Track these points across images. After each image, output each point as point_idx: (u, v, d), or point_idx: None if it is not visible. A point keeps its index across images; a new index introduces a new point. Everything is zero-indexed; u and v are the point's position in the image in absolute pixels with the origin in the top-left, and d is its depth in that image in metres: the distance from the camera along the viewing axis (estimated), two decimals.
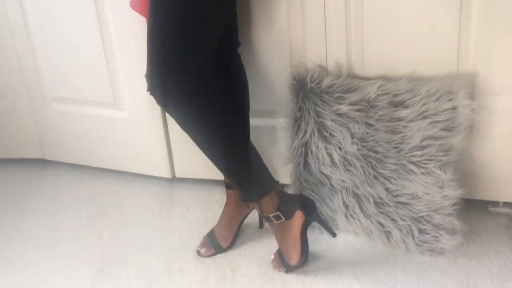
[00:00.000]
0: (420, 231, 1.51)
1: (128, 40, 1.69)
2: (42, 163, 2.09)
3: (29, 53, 1.87)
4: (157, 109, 1.77)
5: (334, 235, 1.55)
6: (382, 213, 1.54)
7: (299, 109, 1.58)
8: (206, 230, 1.65)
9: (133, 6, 1.50)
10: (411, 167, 1.49)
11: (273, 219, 1.47)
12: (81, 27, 1.77)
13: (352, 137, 1.53)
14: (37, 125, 2.00)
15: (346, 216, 1.59)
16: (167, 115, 1.76)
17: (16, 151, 2.07)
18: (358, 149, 1.53)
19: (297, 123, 1.58)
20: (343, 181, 1.56)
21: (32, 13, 1.81)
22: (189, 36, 1.26)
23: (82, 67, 1.84)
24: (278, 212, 1.47)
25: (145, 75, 1.30)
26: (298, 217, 1.48)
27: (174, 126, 1.76)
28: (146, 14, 1.46)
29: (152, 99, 1.31)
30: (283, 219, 1.47)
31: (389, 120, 1.51)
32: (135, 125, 1.85)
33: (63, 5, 1.75)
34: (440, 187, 1.48)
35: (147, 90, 1.30)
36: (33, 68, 1.90)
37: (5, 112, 2.00)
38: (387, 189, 1.53)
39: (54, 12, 1.77)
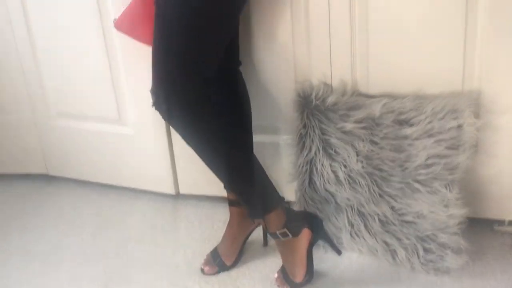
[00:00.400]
0: (426, 250, 1.50)
1: (133, 55, 1.69)
2: (46, 178, 2.09)
3: (34, 68, 1.88)
4: (161, 125, 1.77)
5: (339, 253, 1.54)
6: (387, 231, 1.53)
7: (304, 126, 1.57)
8: (210, 248, 1.65)
9: (118, 26, 1.51)
10: (416, 185, 1.48)
11: (280, 236, 1.46)
12: (87, 43, 1.78)
13: (357, 155, 1.52)
14: (42, 140, 2.00)
15: (351, 235, 1.58)
16: (172, 131, 1.77)
17: (20, 167, 2.07)
18: (363, 167, 1.52)
19: (302, 140, 1.58)
20: (348, 199, 1.55)
21: (38, 30, 1.82)
22: (193, 52, 1.28)
23: (87, 83, 1.84)
24: (285, 229, 1.46)
25: (150, 90, 1.31)
26: (305, 234, 1.47)
27: (178, 142, 1.77)
28: (131, 34, 1.50)
29: (156, 115, 1.32)
30: (290, 236, 1.46)
31: (394, 138, 1.50)
32: (139, 141, 1.85)
33: (69, 21, 1.76)
34: (445, 206, 1.47)
35: (152, 105, 1.31)
36: (38, 84, 1.91)
37: (9, 127, 2.00)
38: (392, 208, 1.52)
39: (60, 28, 1.78)
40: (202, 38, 1.28)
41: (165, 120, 1.35)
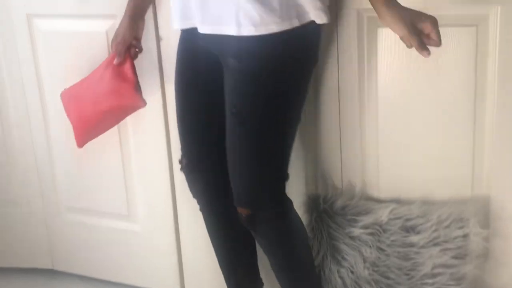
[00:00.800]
0: None
1: (146, 153, 1.73)
2: (51, 273, 2.07)
3: (47, 163, 1.91)
4: (170, 224, 1.78)
5: None
6: None
7: (312, 229, 1.58)
8: None
9: (62, 95, 1.61)
10: None
11: None
12: (101, 139, 1.80)
13: (364, 261, 1.52)
14: (49, 234, 2.01)
15: None
16: (180, 229, 1.77)
17: (25, 261, 2.06)
18: (369, 274, 1.51)
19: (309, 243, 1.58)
20: None
21: (55, 125, 1.87)
22: (280, 156, 1.35)
23: (99, 179, 1.87)
24: None
25: (238, 196, 1.35)
26: None
27: (186, 241, 1.77)
28: (65, 108, 1.61)
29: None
30: None
31: (400, 246, 1.50)
32: (147, 238, 1.85)
33: None
34: None
35: (238, 204, 1.36)
36: (50, 178, 1.94)
37: (18, 220, 2.01)
38: None
39: None
40: (285, 145, 1.34)
41: (247, 224, 1.37)
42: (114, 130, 1.77)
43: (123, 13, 1.58)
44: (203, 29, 1.28)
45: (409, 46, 1.25)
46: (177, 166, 1.58)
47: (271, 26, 1.21)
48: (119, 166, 1.82)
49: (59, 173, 1.93)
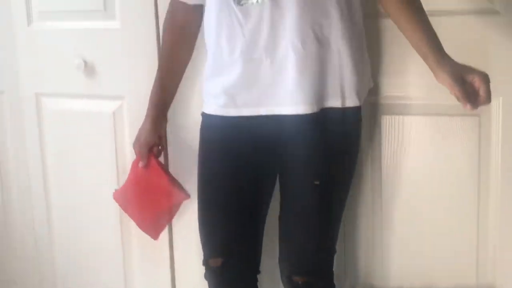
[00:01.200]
0: None
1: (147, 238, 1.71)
2: None
3: (47, 245, 1.89)
4: None
5: None
6: None
7: None
8: None
9: (115, 198, 1.59)
10: None
11: None
12: (103, 224, 1.80)
13: None
14: None
15: None
16: None
17: None
18: None
19: None
20: None
21: (55, 203, 1.85)
22: (338, 229, 1.39)
23: (98, 263, 1.83)
24: None
25: (300, 265, 1.35)
26: None
27: None
28: (124, 210, 1.60)
29: None
30: None
31: None
32: None
33: (88, 203, 1.79)
34: None
35: (297, 274, 1.35)
36: (50, 260, 1.90)
37: None
38: None
39: (78, 208, 1.81)
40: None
41: None
42: (115, 214, 1.75)
43: (131, 95, 1.61)
44: (296, 110, 1.24)
45: (462, 102, 1.21)
46: None
47: (363, 97, 1.31)
48: (119, 250, 1.79)
49: (57, 255, 1.89)
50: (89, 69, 1.65)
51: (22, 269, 1.95)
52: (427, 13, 1.25)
